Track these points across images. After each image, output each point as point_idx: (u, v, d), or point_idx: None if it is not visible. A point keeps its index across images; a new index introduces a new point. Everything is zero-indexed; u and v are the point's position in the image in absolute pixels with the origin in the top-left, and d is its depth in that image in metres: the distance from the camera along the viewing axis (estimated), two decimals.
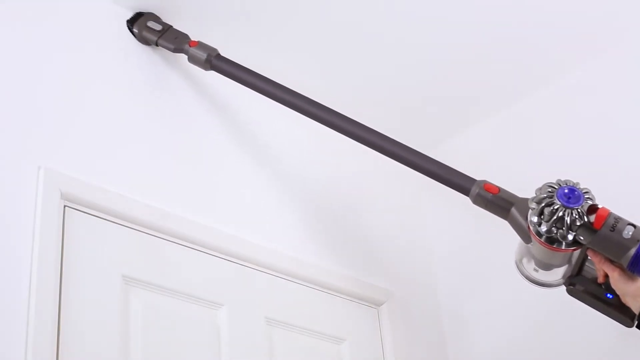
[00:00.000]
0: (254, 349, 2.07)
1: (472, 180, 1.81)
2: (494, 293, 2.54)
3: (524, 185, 2.26)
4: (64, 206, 1.83)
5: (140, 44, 2.16)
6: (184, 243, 2.03)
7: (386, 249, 2.58)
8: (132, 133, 2.06)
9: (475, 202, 1.79)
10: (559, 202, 1.62)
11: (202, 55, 2.12)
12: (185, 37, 2.16)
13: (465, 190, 1.81)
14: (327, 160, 2.54)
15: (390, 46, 2.38)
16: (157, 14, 2.19)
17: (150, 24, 2.14)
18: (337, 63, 2.41)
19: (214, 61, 2.11)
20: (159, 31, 2.14)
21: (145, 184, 2.02)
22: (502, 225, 2.55)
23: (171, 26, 2.18)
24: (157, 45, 2.14)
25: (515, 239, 2.51)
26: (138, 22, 2.15)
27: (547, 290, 2.41)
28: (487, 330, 2.52)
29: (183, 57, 2.18)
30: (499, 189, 1.76)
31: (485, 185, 1.77)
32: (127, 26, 2.15)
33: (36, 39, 1.95)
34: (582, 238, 1.61)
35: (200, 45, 2.14)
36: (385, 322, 2.42)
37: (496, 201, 1.75)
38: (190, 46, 2.13)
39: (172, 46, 2.13)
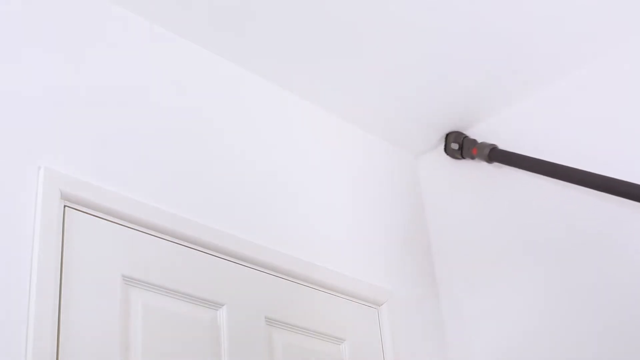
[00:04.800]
0: (254, 349, 2.07)
1: None
2: (494, 293, 2.54)
3: None
4: (64, 206, 1.84)
5: None
6: (184, 243, 2.03)
7: (386, 248, 2.58)
8: (133, 133, 2.06)
9: None
10: None
11: (485, 151, 2.62)
12: (473, 142, 2.69)
13: None
14: (331, 164, 2.55)
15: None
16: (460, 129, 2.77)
17: (453, 145, 2.74)
18: None
19: (491, 153, 2.61)
20: (457, 149, 2.73)
21: (145, 184, 2.02)
22: (502, 227, 2.57)
23: (465, 136, 2.72)
24: (462, 157, 2.73)
25: (517, 238, 2.53)
26: (447, 144, 2.76)
27: (546, 290, 2.43)
28: (487, 330, 2.52)
29: None
30: None
31: None
32: (444, 143, 2.77)
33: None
34: None
35: (481, 144, 2.65)
36: (385, 322, 2.42)
37: None
38: (474, 153, 2.67)
39: (468, 156, 2.71)
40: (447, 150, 2.76)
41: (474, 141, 2.68)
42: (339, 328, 2.31)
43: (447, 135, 2.76)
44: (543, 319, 2.41)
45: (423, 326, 2.56)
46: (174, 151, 2.13)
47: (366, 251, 2.51)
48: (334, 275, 2.34)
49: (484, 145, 2.63)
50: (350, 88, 2.56)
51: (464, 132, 2.75)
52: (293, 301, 2.23)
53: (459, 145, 2.72)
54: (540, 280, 2.45)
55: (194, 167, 2.16)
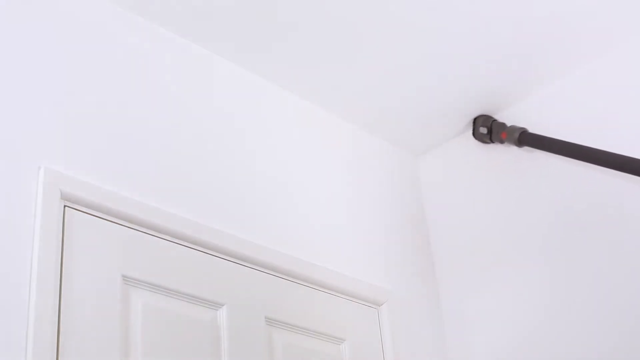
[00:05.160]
0: (254, 349, 2.07)
1: None
2: (495, 293, 2.54)
3: None
4: (64, 206, 1.84)
5: None
6: (184, 243, 2.03)
7: (386, 248, 2.58)
8: (133, 133, 2.06)
9: None
10: None
11: (515, 134, 2.56)
12: (502, 125, 2.64)
13: None
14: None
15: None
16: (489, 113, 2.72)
17: (481, 129, 2.69)
18: None
19: (522, 137, 2.56)
20: (486, 134, 2.67)
21: (145, 184, 2.02)
22: (502, 226, 2.57)
23: (494, 120, 2.67)
24: (491, 142, 2.68)
25: (516, 238, 2.53)
26: (475, 129, 2.71)
27: (546, 290, 2.43)
28: (487, 330, 2.52)
29: None
30: None
31: None
32: (473, 127, 2.72)
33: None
34: None
35: (510, 128, 2.59)
36: (385, 322, 2.42)
37: None
38: (503, 137, 2.62)
39: (497, 140, 2.65)
40: (476, 134, 2.70)
41: (503, 125, 2.63)
42: (339, 328, 2.31)
43: (475, 119, 2.71)
44: (544, 319, 2.40)
45: (423, 326, 2.56)
46: (174, 151, 2.14)
47: (366, 251, 2.51)
48: (334, 275, 2.34)
49: (513, 128, 2.58)
50: (350, 88, 2.56)
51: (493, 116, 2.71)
52: (293, 301, 2.23)
53: (488, 129, 2.67)
54: (541, 279, 2.44)
55: (193, 167, 2.16)
